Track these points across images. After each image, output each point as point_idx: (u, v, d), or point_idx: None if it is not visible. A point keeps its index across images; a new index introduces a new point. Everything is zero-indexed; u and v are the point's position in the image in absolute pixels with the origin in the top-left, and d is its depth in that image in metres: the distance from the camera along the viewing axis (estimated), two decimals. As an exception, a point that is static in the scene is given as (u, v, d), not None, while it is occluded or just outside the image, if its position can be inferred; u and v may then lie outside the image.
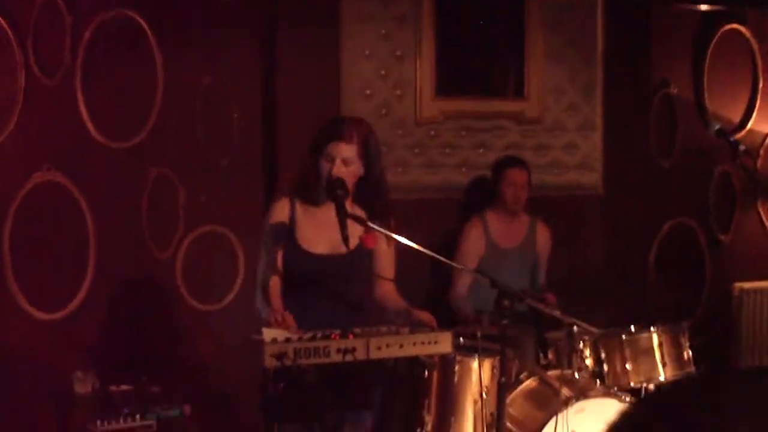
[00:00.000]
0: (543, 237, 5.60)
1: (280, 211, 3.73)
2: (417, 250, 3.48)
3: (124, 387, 4.56)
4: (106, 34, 5.11)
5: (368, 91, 5.64)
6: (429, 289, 5.52)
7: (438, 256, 3.63)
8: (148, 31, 5.17)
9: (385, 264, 3.85)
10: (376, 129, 5.51)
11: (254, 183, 5.44)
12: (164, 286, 5.28)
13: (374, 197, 3.75)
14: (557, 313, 3.87)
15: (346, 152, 3.63)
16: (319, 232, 3.71)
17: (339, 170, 3.61)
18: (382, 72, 5.68)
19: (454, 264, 3.82)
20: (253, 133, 5.48)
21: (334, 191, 3.51)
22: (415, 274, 4.08)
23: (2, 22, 4.91)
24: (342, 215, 3.42)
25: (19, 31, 4.96)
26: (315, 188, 3.68)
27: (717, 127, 4.03)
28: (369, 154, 3.71)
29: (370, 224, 3.47)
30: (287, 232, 3.70)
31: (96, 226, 5.10)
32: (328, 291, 3.68)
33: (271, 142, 5.49)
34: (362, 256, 3.71)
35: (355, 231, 3.47)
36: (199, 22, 5.29)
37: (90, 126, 5.09)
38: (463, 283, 5.33)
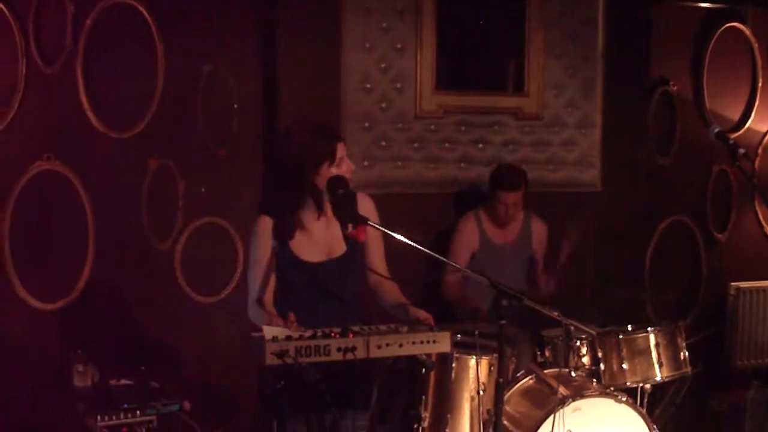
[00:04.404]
0: (538, 231, 5.59)
1: (266, 224, 3.73)
2: (411, 246, 3.46)
3: (124, 381, 4.54)
4: (107, 22, 5.09)
5: (368, 84, 5.64)
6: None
7: (434, 254, 3.58)
8: (150, 20, 5.16)
9: (377, 260, 3.86)
10: (377, 122, 5.60)
11: (253, 174, 5.43)
12: (163, 278, 5.27)
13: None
14: (555, 314, 3.88)
15: (343, 150, 3.67)
16: (313, 244, 3.73)
17: (349, 168, 3.65)
18: (383, 65, 5.68)
19: (450, 262, 3.80)
20: (253, 123, 5.47)
21: (335, 190, 3.51)
22: (411, 270, 4.06)
23: (3, 8, 4.89)
24: (343, 215, 3.43)
25: (20, 18, 4.93)
26: (321, 199, 3.67)
27: (716, 129, 4.02)
28: None
29: (371, 223, 3.48)
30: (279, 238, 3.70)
31: (95, 216, 5.09)
32: (326, 293, 3.70)
33: (271, 133, 5.48)
34: (356, 252, 3.75)
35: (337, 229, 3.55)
36: (201, 11, 5.27)
37: (90, 115, 5.08)
38: (454, 274, 5.30)
